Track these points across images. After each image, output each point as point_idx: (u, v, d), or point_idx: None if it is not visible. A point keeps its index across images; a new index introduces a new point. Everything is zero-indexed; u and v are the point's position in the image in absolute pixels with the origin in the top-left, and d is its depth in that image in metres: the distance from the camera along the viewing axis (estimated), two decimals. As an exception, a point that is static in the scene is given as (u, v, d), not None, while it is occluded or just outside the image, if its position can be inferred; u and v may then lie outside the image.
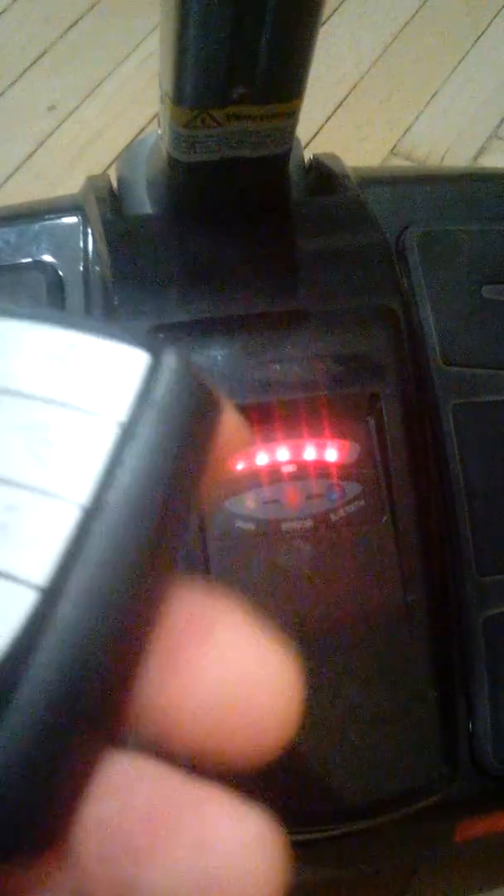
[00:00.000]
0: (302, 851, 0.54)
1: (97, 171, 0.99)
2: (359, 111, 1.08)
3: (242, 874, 0.19)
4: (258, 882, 0.19)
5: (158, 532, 0.19)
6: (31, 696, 0.18)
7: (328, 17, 1.13)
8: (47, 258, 0.58)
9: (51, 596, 0.18)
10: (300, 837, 0.52)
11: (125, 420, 0.20)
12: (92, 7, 1.14)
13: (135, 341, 0.21)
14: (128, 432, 0.20)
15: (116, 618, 0.18)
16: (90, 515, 0.19)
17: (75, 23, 1.13)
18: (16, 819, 0.18)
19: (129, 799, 0.19)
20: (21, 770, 0.18)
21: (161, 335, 0.51)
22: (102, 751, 0.19)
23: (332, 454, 0.51)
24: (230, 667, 0.19)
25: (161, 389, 0.20)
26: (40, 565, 0.18)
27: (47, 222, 0.59)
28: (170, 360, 0.21)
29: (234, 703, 0.19)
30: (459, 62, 1.12)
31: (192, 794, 0.19)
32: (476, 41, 1.14)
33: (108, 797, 0.19)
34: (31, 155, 1.04)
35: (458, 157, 1.05)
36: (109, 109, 1.07)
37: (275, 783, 0.50)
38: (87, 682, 0.18)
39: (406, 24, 1.15)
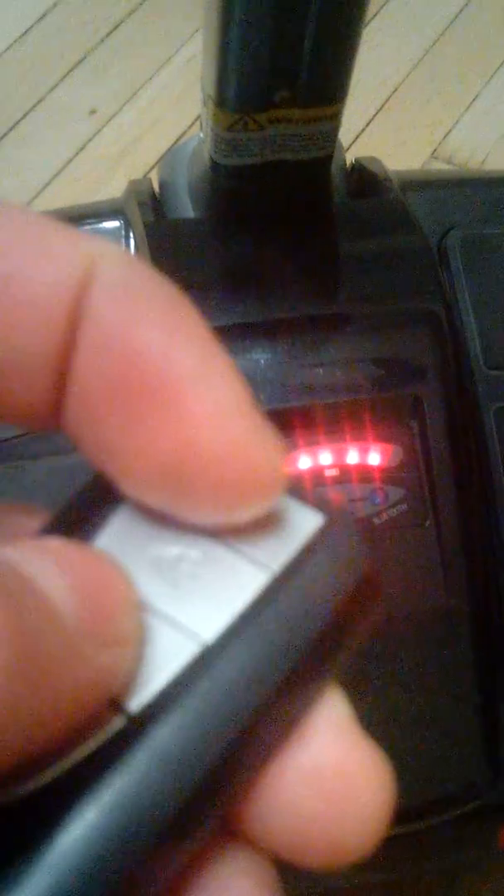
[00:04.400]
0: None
1: (138, 175, 0.99)
2: (399, 114, 1.08)
3: None
4: None
5: (271, 694, 0.18)
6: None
7: (369, 21, 1.13)
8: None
9: (141, 724, 0.18)
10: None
11: (279, 575, 0.19)
12: (132, 12, 1.15)
13: (312, 505, 0.20)
14: (277, 588, 0.19)
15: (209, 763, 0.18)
16: (209, 654, 0.18)
17: (115, 27, 1.14)
18: None
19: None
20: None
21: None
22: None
23: (374, 458, 0.51)
24: (331, 752, 0.19)
25: (326, 557, 0.20)
26: (141, 695, 0.18)
27: (89, 227, 0.59)
28: (342, 528, 0.20)
29: (335, 784, 0.19)
30: (500, 65, 1.12)
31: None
32: (516, 43, 1.14)
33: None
34: (71, 159, 1.05)
35: (499, 160, 1.05)
36: (150, 113, 1.08)
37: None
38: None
39: (446, 27, 1.15)
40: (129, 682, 0.18)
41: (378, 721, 0.50)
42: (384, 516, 0.51)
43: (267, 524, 0.20)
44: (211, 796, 0.18)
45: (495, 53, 1.13)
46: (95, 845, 0.17)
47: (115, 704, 0.18)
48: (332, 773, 0.19)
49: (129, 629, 0.18)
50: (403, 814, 0.51)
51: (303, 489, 0.21)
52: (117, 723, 0.18)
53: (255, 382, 0.51)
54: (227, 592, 0.19)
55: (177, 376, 0.18)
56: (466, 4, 1.17)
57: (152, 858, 0.17)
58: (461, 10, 1.16)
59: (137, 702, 0.18)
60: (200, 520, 0.19)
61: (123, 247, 0.58)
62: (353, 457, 0.51)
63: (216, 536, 0.20)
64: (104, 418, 0.19)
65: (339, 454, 0.51)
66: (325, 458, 0.51)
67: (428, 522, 0.51)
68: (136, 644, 0.18)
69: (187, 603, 0.19)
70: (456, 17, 1.16)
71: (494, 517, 0.55)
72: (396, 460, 0.51)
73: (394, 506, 0.51)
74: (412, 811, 0.51)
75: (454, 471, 0.51)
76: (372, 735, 0.50)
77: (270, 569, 0.19)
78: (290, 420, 0.51)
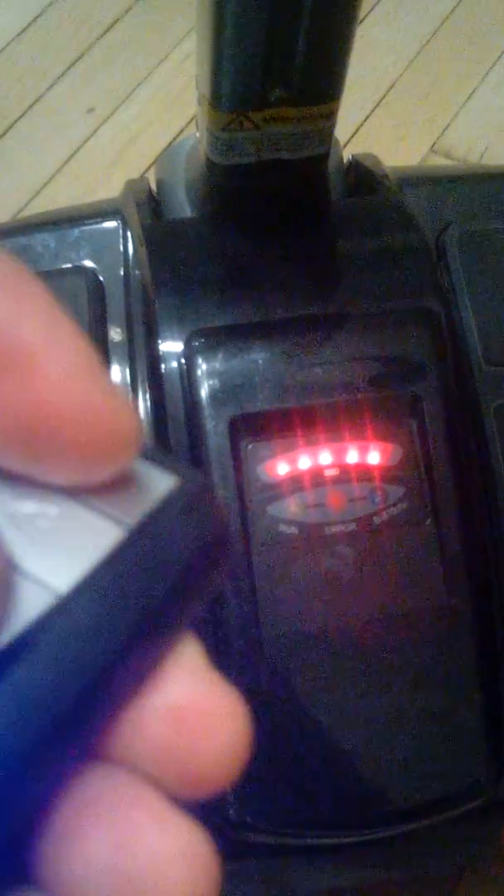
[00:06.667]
0: (348, 854, 0.54)
1: (136, 173, 0.99)
2: (397, 110, 1.08)
3: (160, 884, 0.19)
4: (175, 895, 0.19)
5: (123, 639, 0.20)
6: None
7: (364, 17, 1.12)
8: (87, 263, 0.58)
9: None
10: (347, 840, 0.52)
11: (133, 530, 0.21)
12: (128, 10, 1.15)
13: (167, 465, 0.22)
14: (131, 542, 0.20)
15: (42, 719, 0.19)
16: (63, 604, 0.19)
17: (111, 26, 1.13)
18: None
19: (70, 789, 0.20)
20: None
21: (202, 341, 0.51)
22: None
23: (374, 457, 0.51)
24: (184, 692, 0.21)
25: (178, 515, 0.21)
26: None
27: (87, 227, 0.59)
28: (195, 489, 0.22)
29: (191, 721, 0.20)
30: (497, 59, 1.12)
31: (127, 793, 0.20)
32: (514, 37, 1.13)
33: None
34: (69, 159, 1.04)
35: (498, 153, 1.05)
36: (147, 112, 1.08)
37: (320, 787, 0.50)
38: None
39: (443, 22, 1.15)
40: None
41: (381, 720, 0.50)
42: (384, 515, 0.50)
43: (123, 484, 0.21)
44: (68, 730, 0.19)
45: (492, 46, 1.13)
46: None
47: None
48: (187, 711, 0.20)
49: None
50: (408, 812, 0.51)
51: (157, 451, 0.22)
52: None
53: (254, 382, 0.51)
54: (83, 546, 0.20)
55: (26, 343, 0.20)
56: (462, -1, 1.17)
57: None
58: (457, 4, 1.16)
59: None
60: (57, 480, 0.21)
61: (122, 247, 0.58)
62: (352, 456, 0.51)
63: (74, 495, 0.21)
64: None
65: (339, 453, 0.51)
66: (325, 457, 0.51)
67: (428, 521, 0.51)
68: None
69: (44, 556, 0.20)
70: (452, 10, 1.15)
71: (495, 515, 0.55)
72: (396, 459, 0.51)
73: (393, 505, 0.51)
74: (416, 809, 0.51)
75: (454, 469, 0.51)
76: (376, 733, 0.50)
77: (126, 524, 0.21)
78: (289, 420, 0.51)
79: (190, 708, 0.20)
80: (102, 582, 0.20)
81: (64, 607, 0.19)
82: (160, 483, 0.21)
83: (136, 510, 0.21)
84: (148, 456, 0.22)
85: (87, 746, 0.20)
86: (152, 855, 0.19)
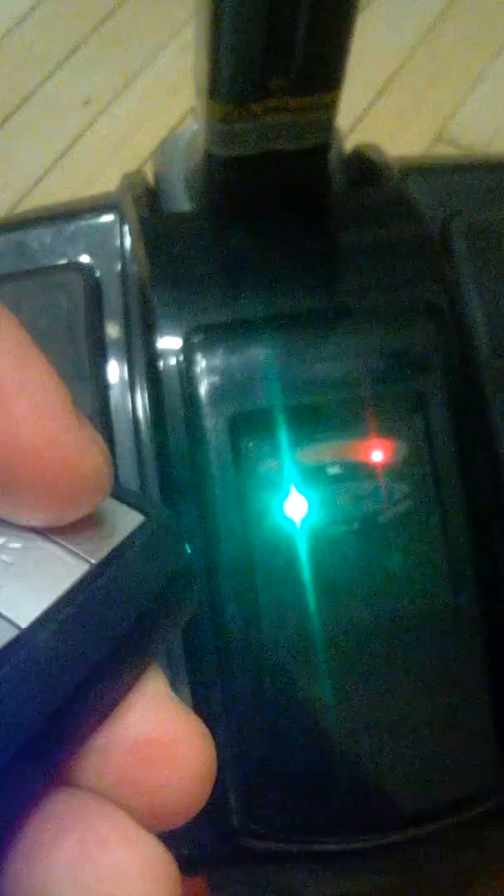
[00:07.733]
0: (355, 860, 0.54)
1: (133, 166, 0.99)
2: (401, 98, 1.07)
3: None
4: None
5: (90, 679, 0.20)
6: None
7: (367, 2, 1.12)
8: (84, 259, 0.57)
9: None
10: (353, 846, 0.52)
11: (97, 566, 0.21)
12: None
13: (133, 502, 0.22)
14: (94, 578, 0.21)
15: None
16: (22, 639, 0.19)
17: (108, 15, 1.13)
18: None
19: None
20: None
21: (201, 337, 0.51)
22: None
23: (378, 454, 0.50)
24: (148, 724, 0.21)
25: (142, 551, 0.22)
26: None
27: (83, 222, 0.59)
28: (160, 525, 0.22)
29: (154, 754, 0.21)
30: (504, 44, 1.11)
31: (91, 810, 0.20)
32: (520, 22, 1.13)
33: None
34: (66, 151, 1.04)
35: (504, 142, 1.04)
36: (145, 103, 1.07)
37: (324, 792, 0.49)
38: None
39: (448, 6, 1.14)
40: None
41: (387, 723, 0.50)
42: (389, 513, 0.50)
43: (89, 522, 0.21)
44: (29, 759, 0.19)
45: (498, 32, 1.12)
46: None
47: None
48: (151, 743, 0.21)
49: None
50: (415, 816, 0.50)
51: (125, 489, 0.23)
52: None
53: (255, 379, 0.50)
54: (46, 581, 0.20)
55: None
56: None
57: None
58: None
59: None
60: (25, 521, 0.21)
61: (118, 242, 0.58)
62: (356, 453, 0.50)
63: (39, 531, 0.21)
64: None
65: (342, 451, 0.50)
66: (328, 455, 0.50)
67: (434, 519, 0.50)
68: None
69: (5, 590, 0.20)
70: (457, -5, 1.15)
71: (503, 512, 0.54)
72: (401, 456, 0.51)
73: (399, 502, 0.50)
74: (424, 814, 0.51)
75: (460, 466, 0.51)
76: (381, 737, 0.50)
77: (89, 561, 0.21)
78: (291, 417, 0.50)
79: (153, 739, 0.21)
80: (63, 616, 0.20)
81: (24, 641, 0.19)
82: (125, 520, 0.22)
83: (100, 547, 0.21)
84: (114, 493, 0.22)
85: (50, 775, 0.20)
86: (116, 867, 0.20)
